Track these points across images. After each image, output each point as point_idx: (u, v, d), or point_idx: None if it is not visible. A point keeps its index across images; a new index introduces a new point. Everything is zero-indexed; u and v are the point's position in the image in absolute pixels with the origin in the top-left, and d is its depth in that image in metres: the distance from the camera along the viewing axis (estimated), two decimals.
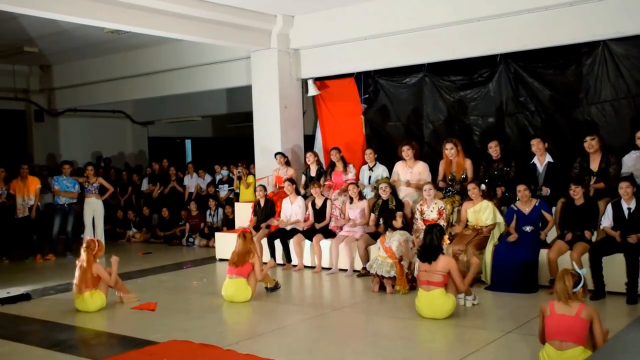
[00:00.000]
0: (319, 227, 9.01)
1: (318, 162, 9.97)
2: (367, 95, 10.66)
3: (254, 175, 11.03)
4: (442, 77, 9.78)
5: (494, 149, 8.21)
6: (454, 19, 8.93)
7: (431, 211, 7.97)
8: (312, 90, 10.83)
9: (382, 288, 7.27)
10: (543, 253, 7.01)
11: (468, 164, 8.42)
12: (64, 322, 6.50)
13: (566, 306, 4.26)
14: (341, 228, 8.77)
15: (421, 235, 7.86)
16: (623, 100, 8.18)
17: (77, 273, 6.91)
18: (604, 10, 7.88)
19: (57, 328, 6.35)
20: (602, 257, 6.57)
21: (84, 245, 7.01)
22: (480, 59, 9.21)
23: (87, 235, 11.06)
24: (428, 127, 9.98)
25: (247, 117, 11.51)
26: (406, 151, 8.74)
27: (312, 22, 10.34)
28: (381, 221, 8.11)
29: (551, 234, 7.39)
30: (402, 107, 10.30)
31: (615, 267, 6.56)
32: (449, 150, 8.45)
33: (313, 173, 9.90)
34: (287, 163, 10.12)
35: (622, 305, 6.29)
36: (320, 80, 10.90)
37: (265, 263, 7.82)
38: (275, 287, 7.52)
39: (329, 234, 8.92)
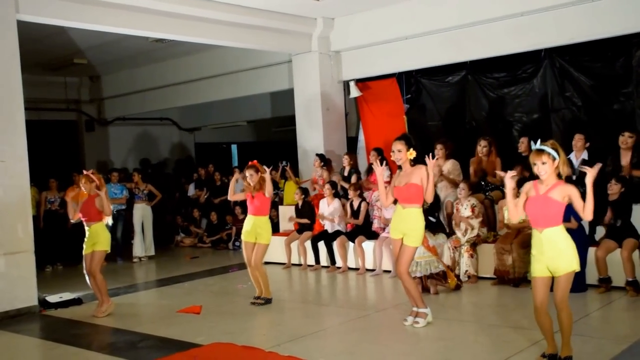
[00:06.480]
0: (351, 223, 9.02)
1: (354, 164, 9.90)
2: (409, 95, 10.57)
3: (300, 177, 11.07)
4: (485, 75, 9.63)
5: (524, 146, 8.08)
6: (497, 15, 8.81)
7: (465, 209, 7.88)
8: (354, 92, 10.82)
9: (426, 290, 7.20)
10: (591, 251, 6.81)
11: (498, 162, 8.35)
12: (113, 326, 6.69)
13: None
14: (384, 229, 8.72)
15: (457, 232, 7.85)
16: None
17: (79, 207, 7.23)
18: None
19: (107, 331, 6.55)
20: None
21: (84, 179, 7.17)
22: (524, 55, 9.04)
23: (137, 241, 11.38)
24: (471, 125, 9.82)
25: (291, 121, 11.58)
26: (438, 150, 8.69)
27: (352, 23, 10.34)
28: None
29: (600, 231, 7.15)
30: (444, 106, 10.19)
31: None
32: (482, 147, 8.41)
33: (346, 173, 9.87)
34: (325, 165, 10.04)
35: None
36: (362, 82, 10.88)
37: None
38: (268, 301, 7.15)
39: (372, 235, 8.88)
